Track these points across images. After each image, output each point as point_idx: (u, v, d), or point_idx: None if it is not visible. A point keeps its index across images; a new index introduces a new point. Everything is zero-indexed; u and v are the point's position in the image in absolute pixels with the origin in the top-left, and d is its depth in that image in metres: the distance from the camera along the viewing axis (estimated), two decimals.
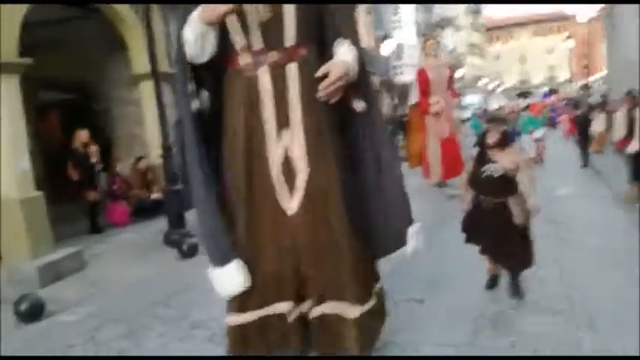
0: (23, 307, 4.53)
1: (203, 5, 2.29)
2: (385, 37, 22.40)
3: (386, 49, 21.70)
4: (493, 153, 3.95)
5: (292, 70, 2.44)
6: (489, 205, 3.96)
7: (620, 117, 7.71)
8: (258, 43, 2.41)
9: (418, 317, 3.85)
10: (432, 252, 4.25)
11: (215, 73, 2.55)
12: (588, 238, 5.60)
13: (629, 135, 7.32)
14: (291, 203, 2.46)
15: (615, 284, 4.25)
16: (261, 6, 2.34)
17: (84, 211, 7.81)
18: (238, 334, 2.50)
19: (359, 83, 2.49)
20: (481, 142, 4.04)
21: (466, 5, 60.62)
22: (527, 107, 14.50)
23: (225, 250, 2.46)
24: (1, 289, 5.14)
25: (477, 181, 4.05)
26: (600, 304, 3.82)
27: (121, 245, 7.07)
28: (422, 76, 9.17)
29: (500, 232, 3.96)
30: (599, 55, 28.36)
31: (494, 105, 16.78)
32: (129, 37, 8.38)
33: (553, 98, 32.43)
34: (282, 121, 2.44)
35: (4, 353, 3.89)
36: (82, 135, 7.60)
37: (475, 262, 4.22)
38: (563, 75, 67.04)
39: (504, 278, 4.17)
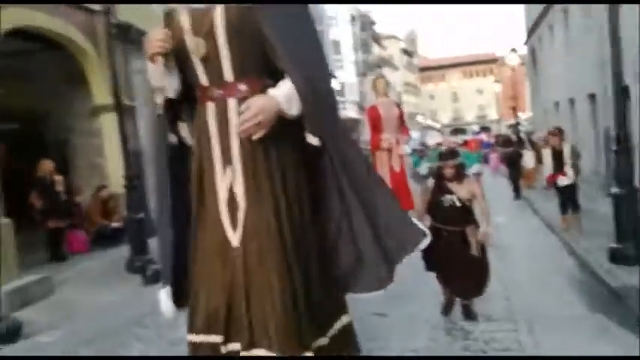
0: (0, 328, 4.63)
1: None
2: (330, 75, 23.40)
3: (333, 85, 22.70)
4: (451, 185, 4.23)
5: (232, 105, 2.40)
6: (447, 233, 4.19)
7: (547, 154, 8.12)
8: (203, 79, 2.43)
9: (381, 329, 4.30)
10: None
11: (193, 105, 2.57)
12: (524, 259, 6.31)
13: (558, 170, 7.74)
14: (234, 238, 2.43)
15: (548, 297, 4.91)
16: (196, 43, 2.35)
17: (42, 239, 7.80)
18: (191, 350, 2.62)
19: (306, 116, 2.37)
20: (438, 175, 4.33)
21: (401, 47, 63.67)
22: (464, 143, 15.50)
23: (167, 275, 2.56)
24: None
25: (436, 211, 4.28)
26: (537, 313, 4.44)
27: (84, 272, 7.14)
28: (373, 114, 9.35)
29: (456, 260, 4.19)
30: (524, 97, 30.52)
31: (431, 141, 17.56)
32: (90, 71, 8.58)
33: (484, 136, 34.58)
34: (226, 157, 2.43)
35: None
36: (47, 164, 7.66)
37: (428, 278, 4.63)
38: (492, 114, 71.06)
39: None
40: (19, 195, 7.71)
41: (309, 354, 2.36)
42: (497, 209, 10.55)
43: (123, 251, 7.73)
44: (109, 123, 8.34)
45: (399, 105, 10.16)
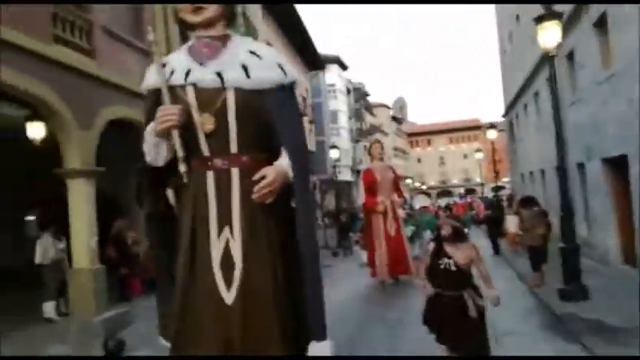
0: (111, 344, 6.32)
1: (156, 119, 2.56)
2: (332, 145, 25.63)
3: (333, 153, 24.44)
4: (448, 248, 4.19)
5: (234, 174, 2.60)
6: (447, 298, 4.17)
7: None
8: (205, 150, 2.62)
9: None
10: None
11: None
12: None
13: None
14: (229, 295, 2.52)
15: (513, 322, 6.71)
16: (205, 119, 2.57)
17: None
18: None
19: (296, 184, 2.61)
20: (437, 236, 4.41)
21: (391, 114, 67.20)
22: (450, 206, 17.18)
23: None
24: (74, 338, 6.80)
25: (433, 274, 4.27)
26: (503, 331, 6.20)
27: (148, 309, 8.71)
28: (368, 177, 9.83)
29: (457, 325, 4.14)
30: (505, 163, 32.83)
31: (417, 205, 18.54)
32: None
33: (469, 199, 36.75)
34: (223, 220, 2.58)
35: None
36: (123, 224, 9.46)
37: None
38: (476, 177, 73.83)
39: None
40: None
41: None
42: None
43: None
44: None
45: (393, 169, 10.62)
